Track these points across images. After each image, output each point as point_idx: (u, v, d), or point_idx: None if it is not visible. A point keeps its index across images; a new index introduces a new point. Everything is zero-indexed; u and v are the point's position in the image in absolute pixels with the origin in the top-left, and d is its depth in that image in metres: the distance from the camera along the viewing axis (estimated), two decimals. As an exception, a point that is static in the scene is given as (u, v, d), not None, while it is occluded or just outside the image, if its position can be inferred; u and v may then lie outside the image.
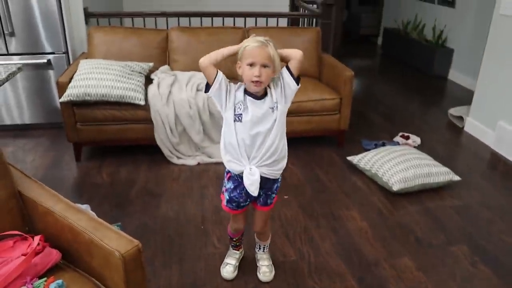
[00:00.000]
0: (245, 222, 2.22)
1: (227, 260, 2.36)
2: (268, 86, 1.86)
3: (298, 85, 1.86)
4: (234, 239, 2.32)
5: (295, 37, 3.93)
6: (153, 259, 2.37)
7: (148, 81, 3.46)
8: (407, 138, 3.79)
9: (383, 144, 3.61)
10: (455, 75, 5.66)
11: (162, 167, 3.34)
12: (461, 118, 4.24)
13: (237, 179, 1.97)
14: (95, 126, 3.26)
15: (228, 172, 2.00)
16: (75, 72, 3.25)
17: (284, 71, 1.84)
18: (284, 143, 1.94)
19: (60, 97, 3.13)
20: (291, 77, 1.84)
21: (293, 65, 1.83)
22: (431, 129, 4.18)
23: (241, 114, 1.84)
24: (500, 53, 3.72)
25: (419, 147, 3.61)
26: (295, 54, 1.82)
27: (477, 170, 3.47)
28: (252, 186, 1.90)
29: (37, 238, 1.65)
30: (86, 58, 3.48)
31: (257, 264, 2.35)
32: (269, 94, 1.86)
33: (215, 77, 1.80)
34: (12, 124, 3.91)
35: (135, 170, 3.30)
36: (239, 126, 1.85)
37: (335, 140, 3.78)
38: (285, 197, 2.99)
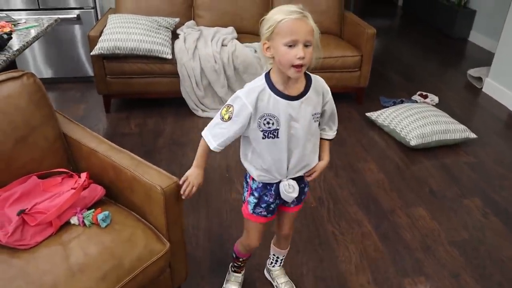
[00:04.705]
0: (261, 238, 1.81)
1: (227, 285, 1.99)
2: (308, 75, 1.49)
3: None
4: (241, 260, 1.93)
5: (318, -6, 3.93)
6: (183, 202, 2.53)
7: (174, 36, 3.55)
8: (425, 97, 3.85)
9: (402, 102, 3.68)
10: (476, 36, 5.61)
11: (187, 119, 3.48)
12: (479, 79, 4.26)
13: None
14: (124, 79, 3.39)
15: None
16: (105, 26, 3.36)
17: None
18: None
19: (91, 51, 3.25)
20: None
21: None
22: (450, 89, 4.22)
23: (277, 129, 1.43)
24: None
25: (437, 106, 3.66)
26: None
27: (493, 129, 3.53)
28: (290, 198, 1.59)
29: (83, 175, 1.80)
30: (114, 14, 3.56)
31: (274, 284, 2.03)
32: (311, 90, 1.48)
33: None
34: (40, 78, 4.00)
35: (161, 121, 3.45)
36: (272, 144, 1.47)
37: (354, 97, 3.86)
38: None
